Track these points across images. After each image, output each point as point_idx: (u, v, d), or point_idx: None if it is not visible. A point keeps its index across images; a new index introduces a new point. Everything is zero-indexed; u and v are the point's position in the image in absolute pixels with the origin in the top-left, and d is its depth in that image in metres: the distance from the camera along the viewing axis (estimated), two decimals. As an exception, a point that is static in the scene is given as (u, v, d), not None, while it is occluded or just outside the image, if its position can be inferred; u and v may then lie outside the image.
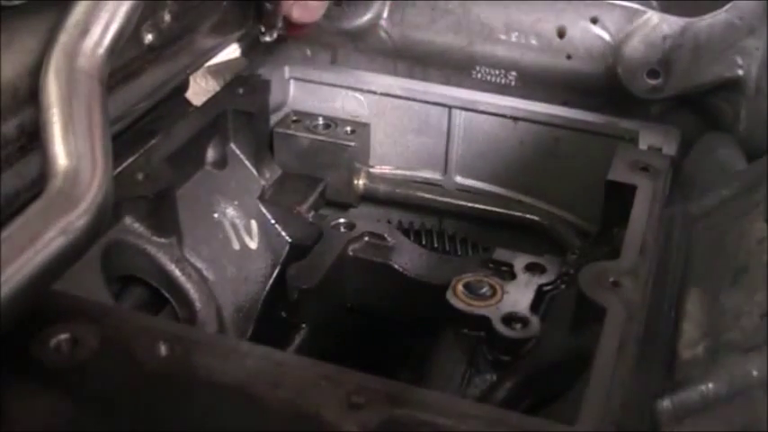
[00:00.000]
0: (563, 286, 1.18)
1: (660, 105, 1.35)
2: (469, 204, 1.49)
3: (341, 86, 1.48)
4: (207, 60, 1.35)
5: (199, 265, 1.20)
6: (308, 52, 1.45)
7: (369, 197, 1.51)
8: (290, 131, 1.44)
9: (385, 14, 1.48)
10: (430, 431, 0.74)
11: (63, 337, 0.81)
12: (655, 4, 1.37)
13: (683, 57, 1.30)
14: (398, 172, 1.53)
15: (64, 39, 0.90)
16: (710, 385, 0.78)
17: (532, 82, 1.40)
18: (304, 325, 1.24)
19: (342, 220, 1.33)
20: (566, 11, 1.36)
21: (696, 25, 1.29)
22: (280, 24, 1.31)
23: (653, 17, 1.32)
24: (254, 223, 1.32)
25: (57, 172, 0.84)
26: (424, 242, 1.56)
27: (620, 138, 1.34)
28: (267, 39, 1.33)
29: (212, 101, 1.33)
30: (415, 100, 1.47)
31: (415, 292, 1.27)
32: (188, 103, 1.39)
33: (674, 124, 1.34)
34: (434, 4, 1.41)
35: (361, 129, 1.46)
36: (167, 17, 1.15)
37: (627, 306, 0.93)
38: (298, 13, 1.27)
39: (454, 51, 1.42)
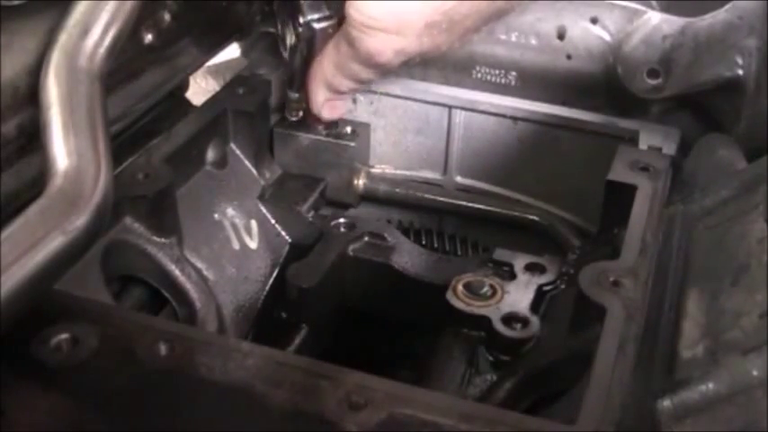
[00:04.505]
0: (563, 286, 1.18)
1: (660, 105, 1.35)
2: (469, 204, 1.49)
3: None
4: (207, 60, 1.35)
5: (199, 265, 1.20)
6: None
7: (369, 197, 1.51)
8: (290, 131, 1.44)
9: (385, 14, 1.48)
10: (430, 431, 0.74)
11: (63, 336, 0.81)
12: (655, 4, 1.36)
13: (683, 56, 1.30)
14: (398, 172, 1.53)
15: (64, 39, 0.90)
16: (710, 385, 0.78)
17: (532, 82, 1.40)
18: (304, 325, 1.24)
19: (342, 220, 1.33)
20: (566, 11, 1.36)
21: (696, 25, 1.29)
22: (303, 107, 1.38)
23: (653, 17, 1.32)
24: (254, 223, 1.32)
25: (57, 172, 0.84)
26: (424, 242, 1.55)
27: (620, 138, 1.34)
28: (294, 119, 1.40)
29: (212, 101, 1.33)
30: (414, 100, 1.47)
31: (415, 292, 1.27)
32: (188, 103, 1.39)
33: (674, 124, 1.34)
34: (434, 4, 1.41)
35: (361, 129, 1.46)
36: (167, 17, 1.15)
37: (627, 306, 0.93)
38: (328, 113, 1.31)
39: (454, 51, 1.42)
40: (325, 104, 1.31)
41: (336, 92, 1.28)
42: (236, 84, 1.36)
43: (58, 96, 0.87)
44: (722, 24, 1.27)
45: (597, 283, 0.96)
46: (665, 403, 0.79)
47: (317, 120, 1.38)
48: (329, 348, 1.25)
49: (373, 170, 1.52)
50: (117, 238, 1.07)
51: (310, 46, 1.26)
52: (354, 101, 1.49)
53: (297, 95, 1.35)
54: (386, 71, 1.21)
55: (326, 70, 1.25)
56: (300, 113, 1.39)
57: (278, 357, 0.83)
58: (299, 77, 1.32)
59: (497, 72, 1.41)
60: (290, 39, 1.29)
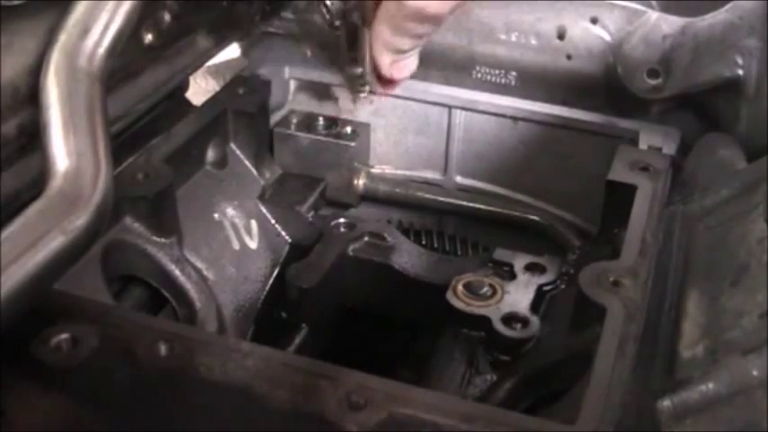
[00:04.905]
0: (563, 286, 1.18)
1: (660, 105, 1.35)
2: (469, 204, 1.49)
3: (341, 86, 1.48)
4: (207, 60, 1.35)
5: (199, 265, 1.20)
6: (308, 52, 1.45)
7: (369, 197, 1.51)
8: (290, 131, 1.44)
9: (385, 14, 1.48)
10: (430, 431, 0.74)
11: (63, 336, 0.81)
12: (655, 4, 1.37)
13: (683, 56, 1.30)
14: (398, 172, 1.53)
15: (64, 39, 0.90)
16: (710, 385, 0.78)
17: (532, 82, 1.40)
18: (304, 325, 1.24)
19: (342, 220, 1.33)
20: (566, 11, 1.36)
21: (696, 25, 1.29)
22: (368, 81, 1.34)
23: (653, 17, 1.32)
24: (254, 223, 1.32)
25: (57, 172, 0.84)
26: (424, 242, 1.56)
27: (620, 138, 1.34)
28: (363, 96, 1.36)
29: (212, 101, 1.33)
30: (415, 100, 1.47)
31: (415, 292, 1.27)
32: (188, 103, 1.39)
33: (674, 124, 1.34)
34: (434, 4, 1.41)
35: (361, 129, 1.46)
36: (167, 17, 1.15)
37: (627, 306, 0.93)
38: (398, 74, 1.30)
39: (454, 51, 1.42)
40: (392, 66, 1.31)
41: (399, 52, 1.29)
42: (236, 84, 1.36)
43: (58, 96, 0.87)
44: (722, 24, 1.27)
45: (597, 283, 0.96)
46: (665, 403, 0.79)
47: (391, 83, 1.36)
48: (329, 348, 1.26)
49: (373, 170, 1.52)
50: (117, 238, 1.08)
51: (363, 14, 1.26)
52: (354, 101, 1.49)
53: (360, 70, 1.34)
54: (440, 22, 1.21)
55: (384, 33, 1.24)
56: (367, 88, 1.37)
57: (278, 357, 0.83)
58: (358, 48, 1.31)
59: (497, 72, 1.41)
60: (340, 14, 1.28)
